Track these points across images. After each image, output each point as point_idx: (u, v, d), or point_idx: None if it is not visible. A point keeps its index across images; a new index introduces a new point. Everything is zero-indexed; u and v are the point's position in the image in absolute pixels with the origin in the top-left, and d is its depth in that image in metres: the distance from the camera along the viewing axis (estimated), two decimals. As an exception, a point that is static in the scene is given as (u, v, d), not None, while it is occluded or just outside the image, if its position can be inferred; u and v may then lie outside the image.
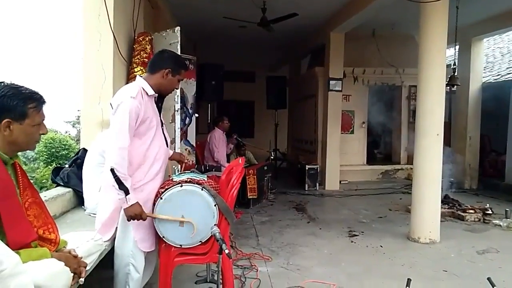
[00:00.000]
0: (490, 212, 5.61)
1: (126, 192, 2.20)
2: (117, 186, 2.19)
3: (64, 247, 1.86)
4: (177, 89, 2.84)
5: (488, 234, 4.92)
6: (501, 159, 8.16)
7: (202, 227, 2.41)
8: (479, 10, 6.96)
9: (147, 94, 2.40)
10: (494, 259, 4.02)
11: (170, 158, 2.89)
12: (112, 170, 2.18)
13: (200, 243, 2.47)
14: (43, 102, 1.72)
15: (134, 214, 2.24)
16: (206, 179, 2.57)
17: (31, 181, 1.88)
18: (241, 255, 3.98)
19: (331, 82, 7.79)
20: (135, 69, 4.03)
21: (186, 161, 2.97)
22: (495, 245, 4.39)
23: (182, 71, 2.55)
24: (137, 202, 2.25)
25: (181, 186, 2.43)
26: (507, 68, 8.54)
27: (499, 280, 2.41)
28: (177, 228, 2.40)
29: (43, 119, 1.73)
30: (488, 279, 2.12)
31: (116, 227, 2.41)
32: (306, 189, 7.74)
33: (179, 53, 4.00)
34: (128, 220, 2.28)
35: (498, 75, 8.38)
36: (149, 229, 2.45)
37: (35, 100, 1.68)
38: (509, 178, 7.67)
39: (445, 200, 5.82)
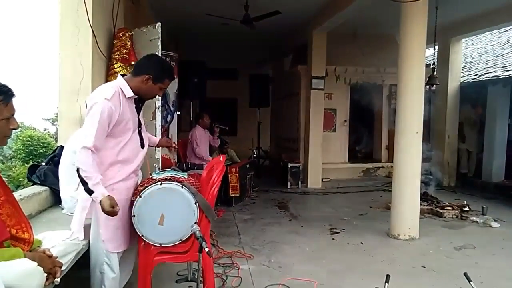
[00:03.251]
0: (467, 209, 5.74)
1: (89, 192, 2.14)
2: (83, 187, 2.16)
3: (38, 246, 1.82)
4: (159, 96, 2.79)
5: (466, 230, 5.03)
6: (478, 157, 8.35)
7: (182, 225, 2.38)
8: (457, 11, 7.09)
9: (125, 95, 2.34)
10: (471, 254, 4.11)
11: (158, 145, 2.88)
12: (77, 170, 2.15)
13: (180, 241, 2.44)
14: (12, 95, 1.64)
15: (108, 210, 2.14)
16: (186, 177, 2.54)
17: (5, 179, 1.83)
18: (222, 253, 3.97)
19: (313, 80, 7.83)
20: (115, 65, 3.95)
21: (174, 145, 2.93)
22: (472, 241, 4.49)
23: (166, 80, 2.47)
24: (106, 196, 2.14)
25: (161, 184, 2.40)
26: (484, 68, 8.73)
27: (475, 275, 2.46)
28: (156, 227, 2.36)
29: (13, 113, 1.66)
30: (465, 274, 2.16)
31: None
32: (289, 187, 7.77)
33: (159, 49, 3.95)
34: (110, 215, 2.18)
35: (476, 75, 8.56)
36: (118, 230, 2.39)
37: (2, 93, 1.61)
38: (486, 176, 7.86)
39: (424, 197, 5.93)
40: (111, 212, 2.15)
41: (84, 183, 2.14)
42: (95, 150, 2.18)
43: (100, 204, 2.14)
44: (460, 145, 8.51)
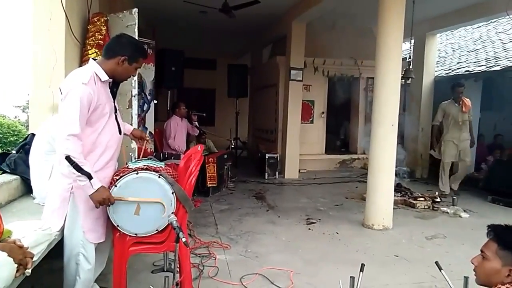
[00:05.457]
0: (438, 200, 5.92)
1: (89, 176, 2.11)
2: (77, 173, 2.10)
3: (8, 237, 1.75)
4: (133, 76, 2.73)
5: (437, 220, 5.19)
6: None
7: (158, 215, 2.36)
8: (433, 6, 7.22)
9: (100, 79, 2.28)
10: (442, 244, 4.24)
11: (132, 134, 2.80)
12: (67, 158, 2.08)
13: (157, 231, 2.42)
14: None
15: (102, 198, 2.16)
16: (163, 167, 2.51)
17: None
18: (199, 243, 3.96)
19: (292, 71, 7.84)
20: (89, 51, 3.83)
21: (147, 138, 2.88)
22: (443, 231, 4.64)
23: (140, 59, 2.43)
24: (102, 186, 2.18)
25: (137, 173, 2.36)
26: (458, 63, 8.96)
27: (446, 264, 2.54)
28: (132, 217, 2.33)
29: None
30: (436, 263, 2.22)
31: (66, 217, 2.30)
32: (266, 177, 7.80)
33: (136, 36, 3.86)
34: (97, 206, 2.20)
35: (450, 69, 8.78)
36: (98, 220, 2.37)
37: None
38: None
39: (397, 189, 6.06)
40: (103, 201, 2.18)
41: (78, 168, 2.10)
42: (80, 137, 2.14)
43: (97, 191, 2.14)
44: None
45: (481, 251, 1.62)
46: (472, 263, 1.66)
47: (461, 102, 6.35)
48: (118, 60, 2.33)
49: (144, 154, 2.89)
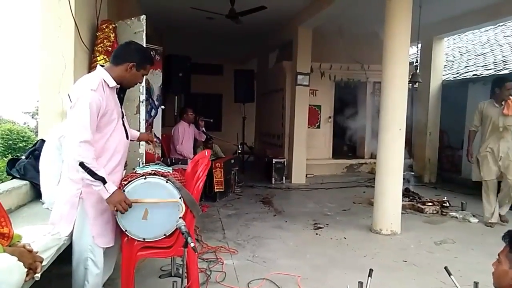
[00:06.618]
0: (447, 204, 5.85)
1: (103, 181, 2.13)
2: (91, 178, 2.12)
3: (18, 241, 1.77)
4: (140, 83, 2.76)
5: (446, 225, 5.14)
6: (458, 154, 8.51)
7: (166, 220, 2.37)
8: (440, 10, 7.20)
9: (108, 85, 2.31)
10: (451, 249, 4.20)
11: (138, 139, 2.84)
12: (81, 164, 2.10)
13: (165, 236, 2.42)
14: None
15: (118, 201, 2.17)
16: (171, 172, 2.52)
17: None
18: (207, 248, 3.96)
19: (298, 76, 7.86)
20: (98, 58, 3.87)
21: (155, 140, 2.90)
22: (452, 236, 4.59)
23: (148, 65, 2.47)
24: (118, 189, 2.19)
25: (145, 178, 2.37)
26: (465, 67, 8.91)
27: (455, 269, 2.53)
28: (140, 221, 2.34)
29: None
30: (445, 268, 2.20)
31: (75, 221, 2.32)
32: (273, 182, 7.79)
33: (144, 42, 3.90)
34: (115, 210, 2.21)
35: (457, 73, 8.73)
36: (107, 225, 2.38)
37: None
38: (465, 173, 8.02)
39: (405, 193, 6.02)
40: (119, 204, 2.18)
41: (93, 174, 2.11)
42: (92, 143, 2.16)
43: (112, 195, 2.16)
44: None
45: (498, 255, 1.64)
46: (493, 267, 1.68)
47: (503, 103, 4.88)
48: (126, 66, 2.36)
49: (152, 159, 2.91)
